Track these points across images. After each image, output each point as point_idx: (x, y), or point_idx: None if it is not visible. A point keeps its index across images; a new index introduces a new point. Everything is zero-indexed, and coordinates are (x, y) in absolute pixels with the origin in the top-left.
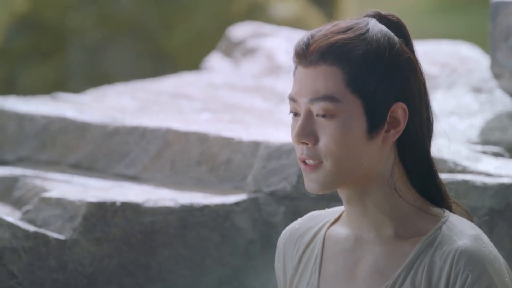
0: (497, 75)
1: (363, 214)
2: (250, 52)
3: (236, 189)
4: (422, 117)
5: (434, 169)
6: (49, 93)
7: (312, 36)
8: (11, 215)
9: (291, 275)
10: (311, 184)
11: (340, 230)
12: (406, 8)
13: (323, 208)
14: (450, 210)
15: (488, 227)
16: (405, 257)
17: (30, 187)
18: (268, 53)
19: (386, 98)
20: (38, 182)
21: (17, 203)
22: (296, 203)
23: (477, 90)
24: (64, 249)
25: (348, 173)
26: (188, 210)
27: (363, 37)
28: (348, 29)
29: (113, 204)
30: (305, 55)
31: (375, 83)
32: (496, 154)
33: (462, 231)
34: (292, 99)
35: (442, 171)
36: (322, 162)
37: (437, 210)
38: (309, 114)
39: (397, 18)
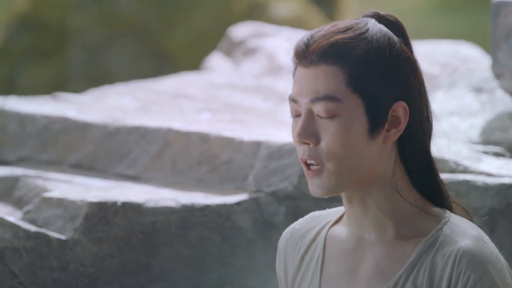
0: (498, 75)
1: (364, 215)
2: (250, 52)
3: (237, 189)
4: (423, 116)
5: (435, 168)
6: (49, 93)
7: (312, 37)
8: (12, 215)
9: (293, 276)
10: (316, 188)
11: (342, 231)
12: (406, 8)
13: (324, 208)
14: (451, 209)
15: (489, 227)
16: (406, 258)
17: (31, 187)
18: (269, 53)
19: (387, 97)
20: (39, 182)
21: (18, 203)
22: (297, 203)
23: (478, 90)
24: (65, 249)
25: (351, 173)
26: (189, 210)
27: (363, 36)
28: (348, 29)
29: (114, 204)
30: (305, 55)
31: (376, 83)
32: (497, 154)
33: (464, 232)
34: (293, 100)
35: (444, 171)
36: (324, 164)
37: (438, 210)
38: (310, 114)
39: (395, 18)
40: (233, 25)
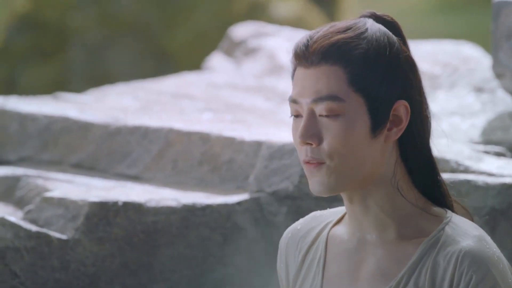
0: (499, 75)
1: (365, 215)
2: (251, 52)
3: (238, 189)
4: (423, 115)
5: (436, 167)
6: (50, 93)
7: (311, 37)
8: (13, 215)
9: (294, 276)
10: (316, 186)
11: (343, 231)
12: (406, 8)
13: (325, 208)
14: (452, 209)
15: (490, 227)
16: (408, 258)
17: (32, 187)
18: (270, 53)
19: (388, 96)
20: (40, 181)
21: (19, 203)
22: (298, 203)
23: (479, 90)
24: (66, 249)
25: (353, 173)
26: (190, 210)
27: (363, 36)
28: (348, 28)
29: (115, 204)
30: (305, 56)
31: (378, 81)
32: (498, 154)
33: (465, 232)
34: (294, 101)
35: (445, 171)
36: (325, 163)
37: (439, 210)
38: (312, 115)
39: (392, 18)
40: (234, 25)
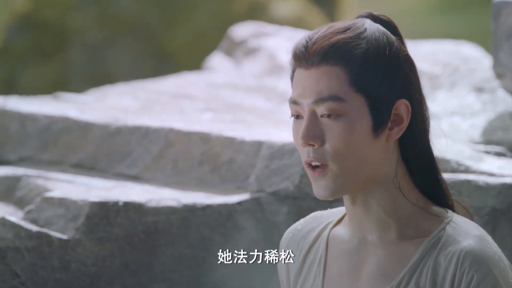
0: (499, 75)
1: (366, 215)
2: (251, 52)
3: (239, 189)
4: (423, 114)
5: (436, 167)
6: (50, 93)
7: (310, 39)
8: (13, 215)
9: (295, 276)
10: (321, 191)
11: (343, 231)
12: (406, 8)
13: (326, 208)
14: (452, 208)
15: (491, 227)
16: (409, 259)
17: (33, 187)
18: (270, 53)
19: (389, 95)
20: (40, 181)
21: (19, 203)
22: (299, 203)
23: (479, 90)
24: (67, 249)
25: (355, 173)
26: (190, 210)
27: (363, 36)
28: (347, 29)
29: (115, 204)
30: (305, 57)
31: (378, 81)
32: (498, 154)
33: (466, 232)
34: (294, 102)
35: (445, 171)
36: (328, 165)
37: (440, 210)
38: (313, 116)
39: (389, 18)
40: (234, 25)
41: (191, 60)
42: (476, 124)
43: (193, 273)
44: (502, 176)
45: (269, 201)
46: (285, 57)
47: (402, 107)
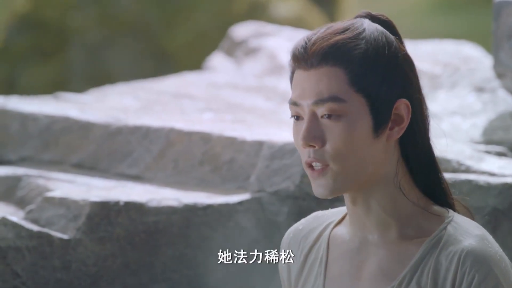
0: (500, 75)
1: (367, 215)
2: (252, 51)
3: (239, 189)
4: (423, 113)
5: (437, 166)
6: (50, 93)
7: (309, 39)
8: (14, 215)
9: (296, 276)
10: (320, 189)
11: (344, 231)
12: (406, 8)
13: (327, 208)
14: (453, 208)
15: (492, 227)
16: (410, 258)
17: (33, 187)
18: (270, 52)
19: (389, 95)
20: (41, 181)
21: (20, 203)
22: (300, 202)
23: (480, 89)
24: (67, 248)
25: (356, 173)
26: (191, 210)
27: (361, 36)
28: (346, 29)
29: (116, 203)
30: (305, 58)
31: (378, 81)
32: (499, 154)
33: (467, 231)
34: (294, 103)
35: (446, 171)
36: (329, 165)
37: (440, 209)
38: (314, 117)
39: (387, 18)
40: (234, 24)
41: (191, 60)
42: (477, 124)
43: (194, 273)
44: (503, 176)
45: (270, 201)
46: (286, 57)
47: (402, 106)
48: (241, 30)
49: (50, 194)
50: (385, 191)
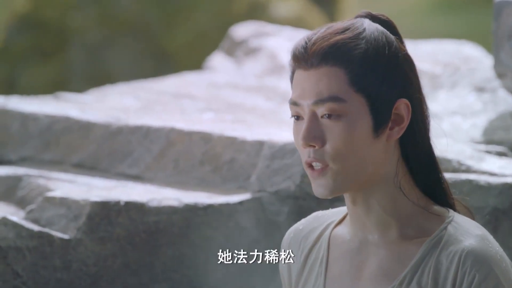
0: (500, 75)
1: (367, 215)
2: (252, 51)
3: (240, 189)
4: (423, 113)
5: (437, 166)
6: (50, 93)
7: (309, 39)
8: (15, 215)
9: (296, 276)
10: (320, 189)
11: (345, 231)
12: (406, 8)
13: (327, 207)
14: (453, 208)
15: (492, 227)
16: (410, 258)
17: (34, 187)
18: (271, 52)
19: (389, 95)
20: (41, 181)
21: (20, 203)
22: (300, 202)
23: (480, 89)
24: (68, 248)
25: (356, 173)
26: (192, 210)
27: (362, 36)
28: (346, 29)
29: (117, 203)
30: (305, 58)
31: (378, 81)
32: (499, 154)
33: (468, 231)
34: (294, 103)
35: (446, 171)
36: (328, 165)
37: (441, 209)
38: (314, 117)
39: (387, 18)
40: (234, 24)
41: (191, 60)
42: (477, 124)
43: (194, 273)
44: (503, 175)
45: (270, 201)
46: (286, 57)
47: (402, 106)
48: (241, 30)
49: (50, 194)
50: (385, 191)
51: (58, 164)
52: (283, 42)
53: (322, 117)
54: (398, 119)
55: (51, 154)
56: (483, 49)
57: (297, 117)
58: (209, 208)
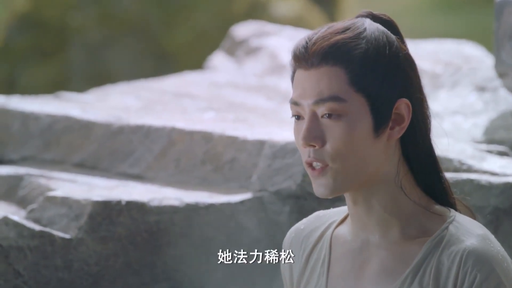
0: (501, 74)
1: (368, 215)
2: (253, 51)
3: (241, 188)
4: (424, 113)
5: (438, 165)
6: (50, 93)
7: (310, 39)
8: (16, 214)
9: (298, 276)
10: (321, 189)
11: (347, 231)
12: (406, 8)
13: (328, 207)
14: (455, 207)
15: (494, 226)
16: (412, 258)
17: (35, 186)
18: (271, 52)
19: (390, 94)
20: (42, 181)
21: (22, 202)
22: (301, 202)
23: (481, 89)
24: (69, 248)
25: (356, 173)
26: (193, 209)
27: (362, 36)
28: (346, 29)
29: (118, 203)
30: (305, 58)
31: (379, 81)
32: (501, 153)
33: (469, 231)
34: (295, 103)
35: (448, 170)
36: (328, 165)
37: (442, 209)
38: (314, 117)
39: (389, 17)
40: (234, 24)
41: (192, 60)
42: (478, 123)
43: (195, 272)
44: (504, 175)
45: (271, 200)
46: (287, 57)
47: (403, 106)
48: (242, 30)
49: (51, 193)
50: (386, 191)
51: (59, 163)
52: (283, 41)
53: (322, 116)
54: (398, 118)
55: (52, 153)
56: (484, 49)
57: (298, 117)
58: (210, 207)
